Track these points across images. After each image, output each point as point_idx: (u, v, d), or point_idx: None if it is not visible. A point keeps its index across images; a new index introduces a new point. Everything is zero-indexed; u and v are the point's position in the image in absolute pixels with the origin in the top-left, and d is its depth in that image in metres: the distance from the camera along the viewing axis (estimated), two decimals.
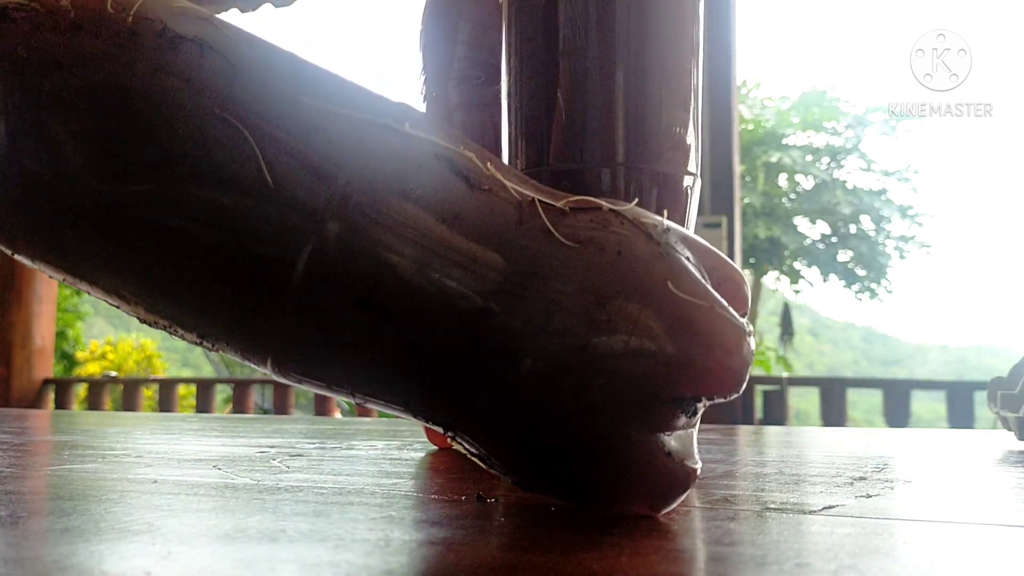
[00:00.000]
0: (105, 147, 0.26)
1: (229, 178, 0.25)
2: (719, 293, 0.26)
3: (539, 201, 0.26)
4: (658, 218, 0.27)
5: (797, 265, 10.22)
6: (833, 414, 3.01)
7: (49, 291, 3.38)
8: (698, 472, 0.26)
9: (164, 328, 0.28)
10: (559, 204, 0.27)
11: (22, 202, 0.26)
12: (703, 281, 0.26)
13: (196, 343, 0.28)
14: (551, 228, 0.26)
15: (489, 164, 0.27)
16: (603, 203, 0.27)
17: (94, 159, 0.26)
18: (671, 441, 0.25)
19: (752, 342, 0.26)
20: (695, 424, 0.27)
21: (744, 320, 0.26)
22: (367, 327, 0.25)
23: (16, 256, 0.28)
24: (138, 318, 0.28)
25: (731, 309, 0.25)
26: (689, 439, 0.26)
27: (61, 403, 3.45)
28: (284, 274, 0.25)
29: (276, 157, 0.25)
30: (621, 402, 0.24)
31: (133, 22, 0.26)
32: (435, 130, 0.28)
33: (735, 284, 0.28)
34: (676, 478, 0.26)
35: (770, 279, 10.73)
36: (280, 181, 0.25)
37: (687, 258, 0.26)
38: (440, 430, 0.27)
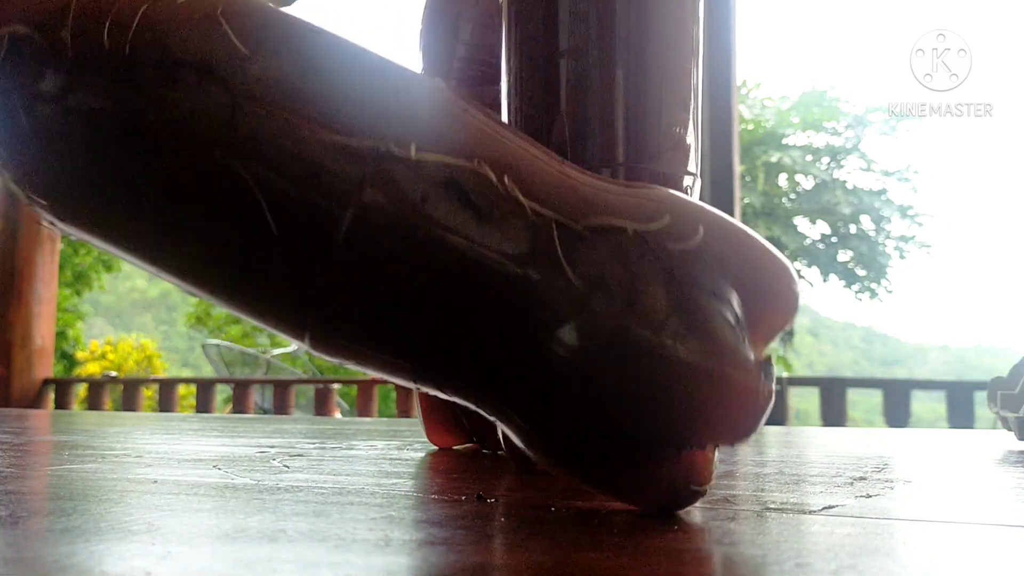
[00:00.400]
0: (115, 169, 0.26)
1: (233, 221, 0.25)
2: (758, 310, 0.25)
3: (556, 224, 0.25)
4: (693, 234, 0.25)
5: (797, 265, 10.21)
6: (833, 414, 3.01)
7: (49, 291, 3.38)
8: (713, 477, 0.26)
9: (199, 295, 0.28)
10: (578, 227, 0.25)
11: (68, 191, 0.27)
12: (720, 332, 0.24)
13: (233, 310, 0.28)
14: (562, 262, 0.24)
15: (506, 178, 0.25)
16: (628, 225, 0.25)
17: (108, 177, 0.26)
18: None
19: (768, 394, 0.25)
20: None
21: (769, 368, 0.25)
22: (406, 304, 0.25)
23: (60, 224, 0.29)
24: (183, 289, 0.29)
25: (746, 362, 0.24)
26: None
27: (61, 403, 3.45)
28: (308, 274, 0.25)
29: (280, 206, 0.25)
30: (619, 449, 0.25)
31: (131, 52, 0.26)
32: (447, 139, 0.26)
33: (780, 300, 0.26)
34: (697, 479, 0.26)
35: None
36: (282, 230, 0.25)
37: (714, 293, 0.24)
38: (475, 407, 0.27)
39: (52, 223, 0.28)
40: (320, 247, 0.25)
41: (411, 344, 0.26)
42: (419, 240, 0.25)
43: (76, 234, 0.29)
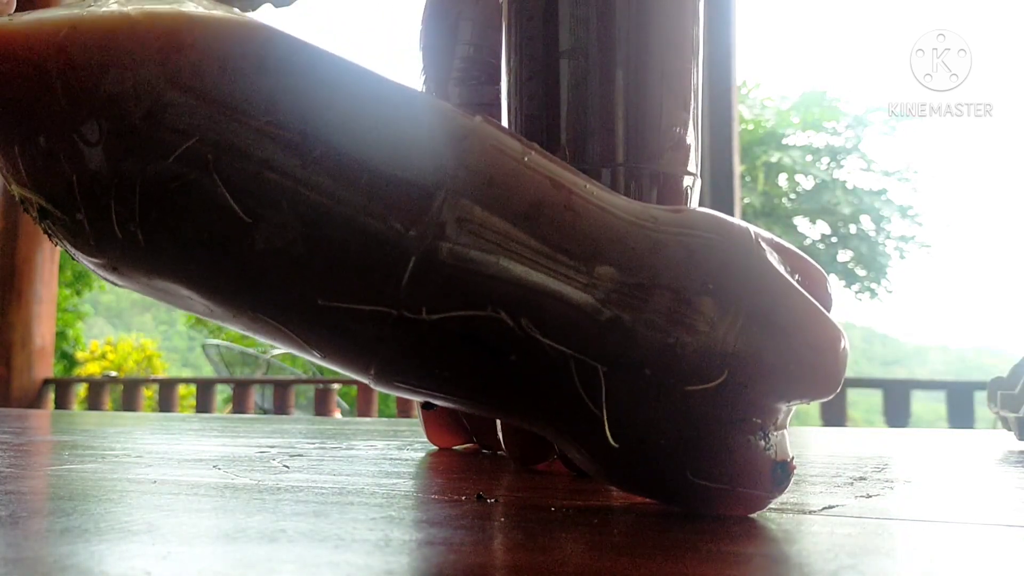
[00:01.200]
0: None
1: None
2: (798, 389, 0.26)
3: (574, 361, 0.25)
4: (716, 375, 0.25)
5: None
6: (833, 414, 3.01)
7: (49, 291, 3.37)
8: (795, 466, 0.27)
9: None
10: (595, 364, 0.25)
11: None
12: (738, 452, 0.25)
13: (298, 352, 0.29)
14: (583, 396, 0.25)
15: (523, 321, 0.25)
16: (647, 368, 0.25)
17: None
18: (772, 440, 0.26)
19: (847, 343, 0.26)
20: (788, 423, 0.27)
21: (788, 468, 0.26)
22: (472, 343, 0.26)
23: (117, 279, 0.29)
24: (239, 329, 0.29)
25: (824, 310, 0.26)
26: (784, 438, 0.27)
27: (61, 403, 3.45)
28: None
29: (319, 345, 0.27)
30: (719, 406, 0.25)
31: (145, 240, 0.26)
32: (459, 289, 0.25)
33: (820, 286, 0.27)
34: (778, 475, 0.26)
35: None
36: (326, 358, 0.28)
37: (732, 422, 0.25)
38: (540, 430, 0.28)
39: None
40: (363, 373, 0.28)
41: (468, 389, 0.28)
42: (444, 378, 0.27)
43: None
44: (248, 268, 0.26)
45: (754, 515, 0.27)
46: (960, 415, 2.90)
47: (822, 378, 0.25)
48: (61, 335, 8.15)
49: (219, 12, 0.27)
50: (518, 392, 0.26)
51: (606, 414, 0.25)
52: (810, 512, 0.27)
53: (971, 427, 3.04)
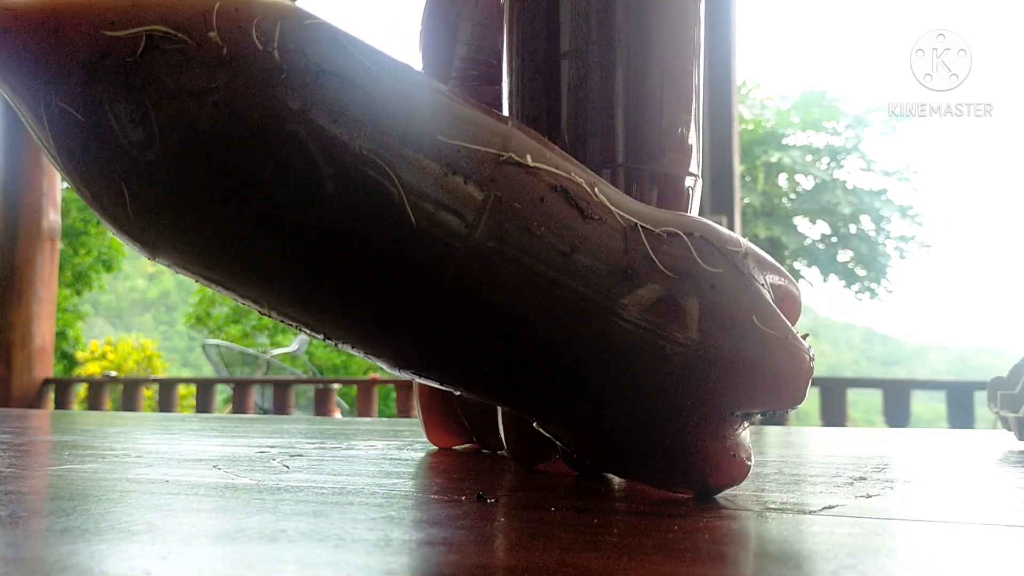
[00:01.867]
0: (245, 187, 0.27)
1: (372, 217, 0.27)
2: (781, 308, 0.30)
3: (641, 227, 0.29)
4: (739, 242, 0.30)
5: (797, 265, 10.20)
6: (833, 414, 3.01)
7: (49, 291, 3.38)
8: (751, 466, 0.30)
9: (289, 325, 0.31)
10: (658, 230, 0.29)
11: (173, 211, 0.28)
12: (778, 312, 0.29)
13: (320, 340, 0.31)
14: (653, 257, 0.29)
15: (596, 190, 0.30)
16: (695, 231, 0.30)
17: (233, 199, 0.27)
18: (737, 439, 0.30)
19: (813, 363, 0.30)
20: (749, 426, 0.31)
21: (806, 343, 0.30)
22: (493, 344, 0.29)
23: (158, 260, 0.30)
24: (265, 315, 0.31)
25: (798, 337, 0.29)
26: (746, 438, 0.30)
27: (61, 403, 3.45)
28: (426, 291, 0.28)
29: (418, 198, 0.27)
30: (701, 414, 0.28)
31: (280, 57, 0.27)
32: (545, 155, 0.30)
33: (793, 299, 0.32)
34: (739, 470, 0.30)
35: None
36: (421, 220, 0.27)
37: (762, 284, 0.30)
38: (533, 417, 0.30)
39: (146, 247, 0.29)
40: (451, 241, 0.28)
41: (488, 369, 0.30)
42: (535, 246, 0.28)
43: (167, 259, 0.29)
44: (373, 101, 0.28)
45: (754, 515, 0.27)
46: (960, 415, 2.90)
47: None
48: (61, 335, 8.15)
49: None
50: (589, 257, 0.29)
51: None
52: (810, 512, 0.27)
53: (971, 427, 3.04)
